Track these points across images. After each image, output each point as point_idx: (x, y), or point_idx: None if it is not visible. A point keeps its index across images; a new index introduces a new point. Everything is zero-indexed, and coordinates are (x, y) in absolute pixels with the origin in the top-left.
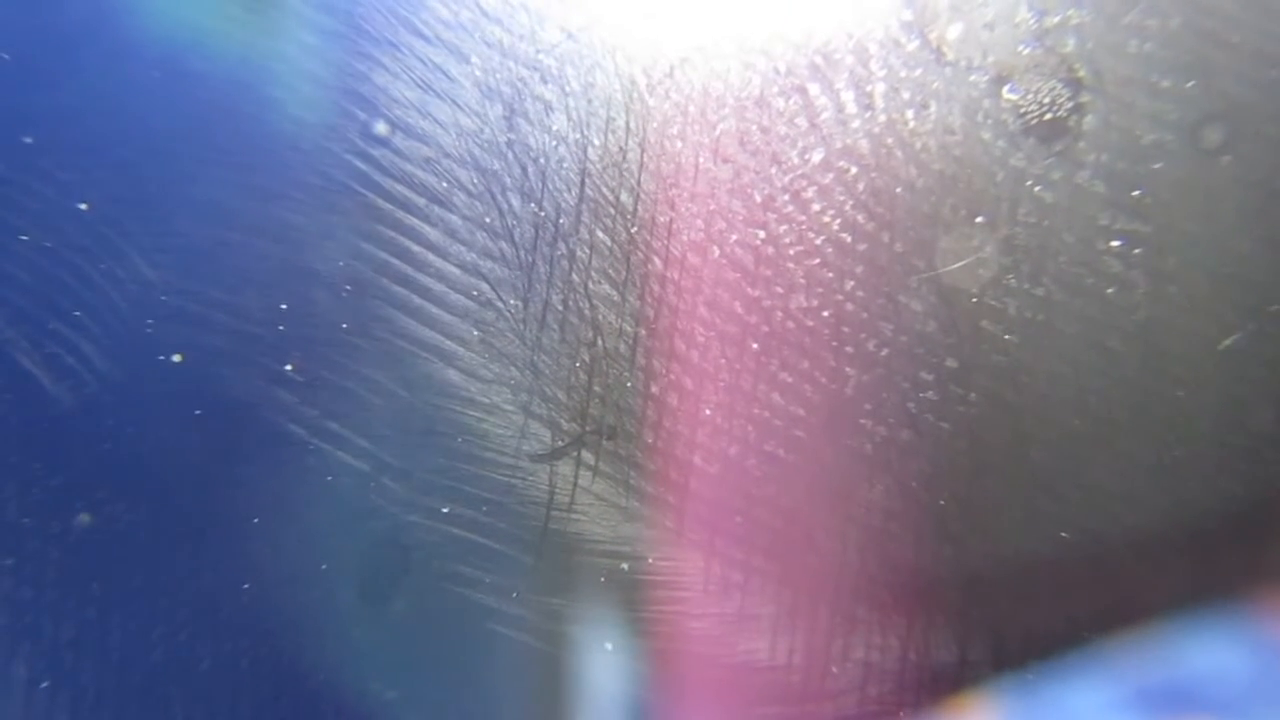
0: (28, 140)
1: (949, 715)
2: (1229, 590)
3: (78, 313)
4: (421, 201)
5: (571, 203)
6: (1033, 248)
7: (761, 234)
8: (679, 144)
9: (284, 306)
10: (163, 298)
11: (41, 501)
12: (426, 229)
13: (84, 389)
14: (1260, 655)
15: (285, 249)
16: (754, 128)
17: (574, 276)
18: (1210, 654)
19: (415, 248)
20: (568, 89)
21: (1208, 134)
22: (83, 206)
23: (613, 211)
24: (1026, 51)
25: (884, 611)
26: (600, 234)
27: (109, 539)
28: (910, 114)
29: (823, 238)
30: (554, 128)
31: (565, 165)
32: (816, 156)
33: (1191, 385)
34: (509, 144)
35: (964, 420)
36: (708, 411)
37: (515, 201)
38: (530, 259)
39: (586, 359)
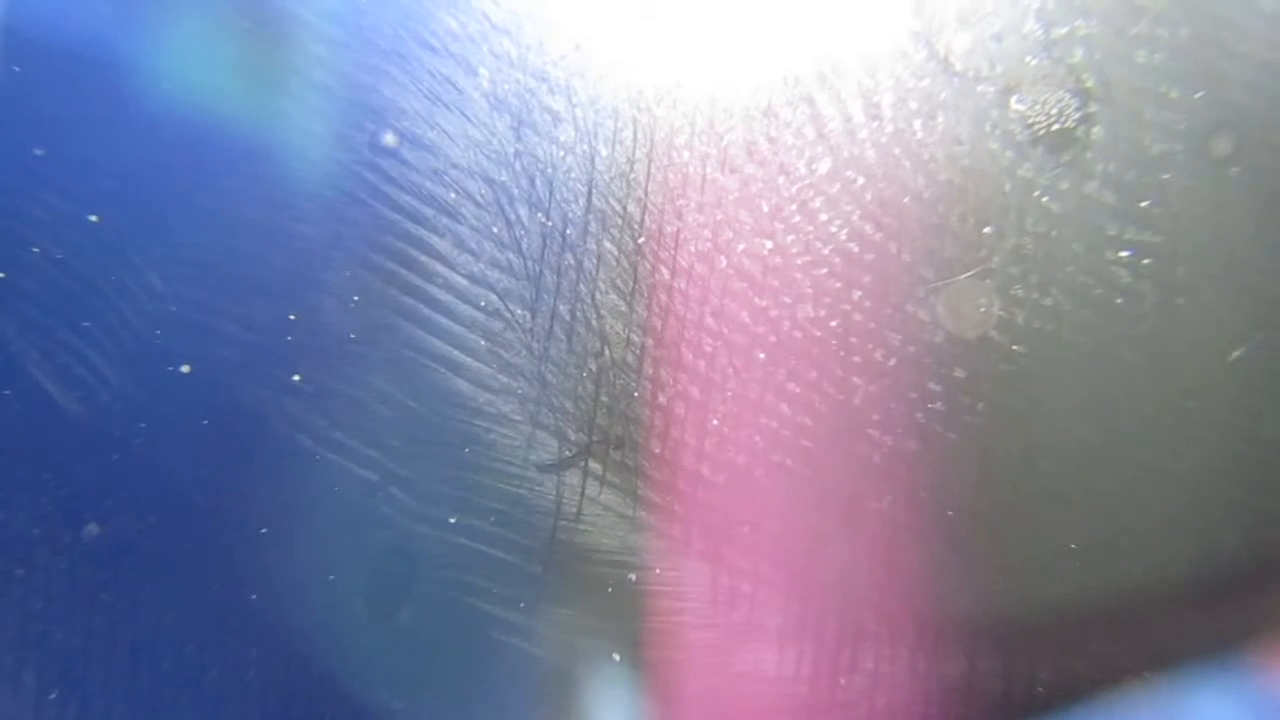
0: (38, 152)
1: None
2: (1241, 598)
3: (87, 323)
4: (429, 212)
5: (579, 213)
6: (1041, 258)
7: (769, 244)
8: (686, 155)
9: (292, 317)
10: (172, 308)
11: (51, 511)
12: (434, 239)
13: (93, 399)
14: (1257, 706)
15: (293, 259)
16: (761, 138)
17: (581, 287)
18: (1210, 706)
19: (423, 258)
20: (575, 100)
21: (1216, 144)
22: (93, 218)
23: (620, 222)
24: (1034, 62)
25: (892, 622)
26: (608, 244)
27: (117, 548)
28: (918, 124)
29: (830, 248)
30: (562, 139)
31: (573, 176)
32: (824, 167)
33: (1201, 395)
34: (517, 155)
35: (972, 430)
36: (715, 422)
37: (523, 212)
38: (538, 269)
39: (594, 369)
